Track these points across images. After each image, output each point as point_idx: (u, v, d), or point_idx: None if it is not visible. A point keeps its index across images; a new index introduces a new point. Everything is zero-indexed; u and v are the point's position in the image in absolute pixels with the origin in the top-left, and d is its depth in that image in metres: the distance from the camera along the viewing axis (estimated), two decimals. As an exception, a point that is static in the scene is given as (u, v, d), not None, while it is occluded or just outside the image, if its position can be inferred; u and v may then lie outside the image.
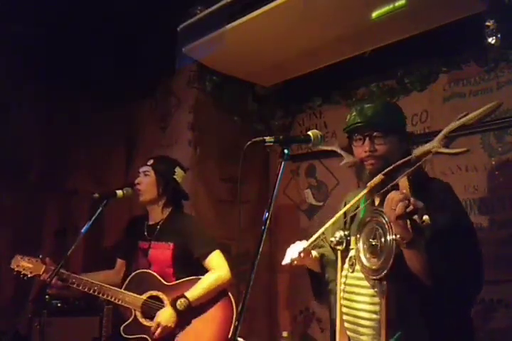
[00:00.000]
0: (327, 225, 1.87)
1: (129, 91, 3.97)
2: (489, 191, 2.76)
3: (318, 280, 2.03)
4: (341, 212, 1.88)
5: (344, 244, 1.85)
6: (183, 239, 2.61)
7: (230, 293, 2.58)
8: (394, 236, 1.51)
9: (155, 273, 2.61)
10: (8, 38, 3.34)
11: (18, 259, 2.60)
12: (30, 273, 2.56)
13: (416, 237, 1.45)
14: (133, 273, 2.65)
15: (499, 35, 2.55)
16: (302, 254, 1.86)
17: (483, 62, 2.83)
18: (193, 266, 2.60)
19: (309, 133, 1.71)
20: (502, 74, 2.78)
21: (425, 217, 1.41)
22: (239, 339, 1.44)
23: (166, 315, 2.45)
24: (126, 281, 2.63)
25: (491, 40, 2.57)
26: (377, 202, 1.82)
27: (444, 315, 1.58)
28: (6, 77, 3.43)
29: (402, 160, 1.68)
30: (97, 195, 2.61)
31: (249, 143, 1.62)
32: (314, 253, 2.00)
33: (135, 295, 2.56)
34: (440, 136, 2.85)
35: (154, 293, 2.56)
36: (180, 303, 2.44)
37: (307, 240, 1.90)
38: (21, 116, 3.68)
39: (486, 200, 2.74)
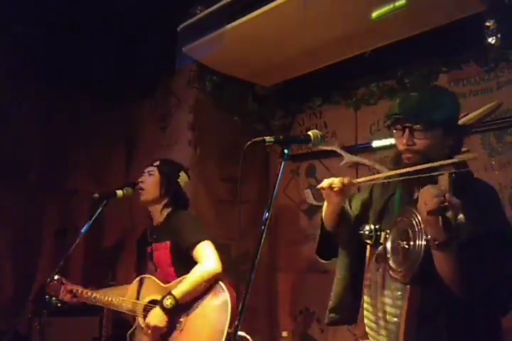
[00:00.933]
0: (378, 165, 1.79)
1: (129, 91, 3.97)
2: (489, 191, 2.75)
3: (327, 237, 1.94)
4: (389, 173, 1.72)
5: (374, 238, 1.75)
6: (176, 235, 2.56)
7: (221, 283, 2.44)
8: (425, 237, 1.42)
9: (153, 277, 2.59)
10: (8, 37, 3.34)
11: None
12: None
13: (448, 238, 1.35)
14: (134, 281, 2.63)
15: (499, 35, 2.55)
16: (335, 188, 1.75)
17: (483, 62, 2.83)
18: (193, 263, 2.53)
19: (309, 133, 1.69)
20: (502, 74, 2.78)
21: (460, 216, 1.31)
22: (242, 333, 1.42)
23: (153, 315, 2.41)
24: (128, 289, 2.62)
25: (491, 40, 2.57)
26: (416, 196, 1.68)
27: (472, 324, 1.51)
28: (6, 77, 3.44)
29: (450, 161, 1.55)
30: (97, 195, 2.60)
31: (249, 143, 1.61)
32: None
33: (135, 301, 2.55)
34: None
35: (153, 296, 2.53)
36: (167, 301, 2.39)
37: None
38: (21, 116, 3.69)
39: (486, 200, 2.74)
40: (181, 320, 2.45)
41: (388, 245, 1.63)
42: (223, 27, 2.99)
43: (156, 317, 2.40)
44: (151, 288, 2.57)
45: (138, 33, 3.57)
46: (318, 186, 1.83)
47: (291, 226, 3.79)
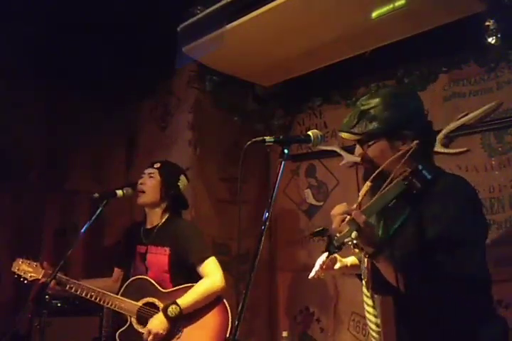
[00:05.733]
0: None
1: (129, 91, 3.97)
2: (489, 191, 2.76)
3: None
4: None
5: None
6: (180, 244, 2.60)
7: (224, 300, 2.54)
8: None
9: (151, 280, 2.59)
10: (8, 37, 3.34)
11: (19, 263, 2.63)
12: (30, 277, 2.58)
13: (373, 251, 1.48)
14: (130, 279, 2.64)
15: (499, 35, 2.55)
16: (324, 266, 1.83)
17: (483, 62, 2.83)
18: (190, 272, 2.58)
19: (309, 133, 1.70)
20: (502, 74, 2.78)
21: (354, 233, 1.45)
22: None
23: (156, 322, 2.42)
24: (123, 287, 2.62)
25: (491, 40, 2.58)
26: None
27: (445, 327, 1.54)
28: (6, 76, 3.44)
29: (381, 167, 1.60)
30: (97, 195, 2.61)
31: (249, 143, 1.61)
32: (351, 259, 1.97)
33: (131, 301, 2.55)
34: (440, 135, 2.85)
35: (150, 299, 2.55)
36: (172, 310, 2.41)
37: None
38: (21, 116, 3.68)
39: (486, 200, 2.74)
40: (181, 329, 2.48)
41: (362, 255, 1.68)
42: (223, 27, 2.98)
43: (159, 325, 2.41)
44: (148, 290, 2.57)
45: (138, 32, 3.57)
46: (310, 277, 1.85)
47: (291, 226, 3.78)
